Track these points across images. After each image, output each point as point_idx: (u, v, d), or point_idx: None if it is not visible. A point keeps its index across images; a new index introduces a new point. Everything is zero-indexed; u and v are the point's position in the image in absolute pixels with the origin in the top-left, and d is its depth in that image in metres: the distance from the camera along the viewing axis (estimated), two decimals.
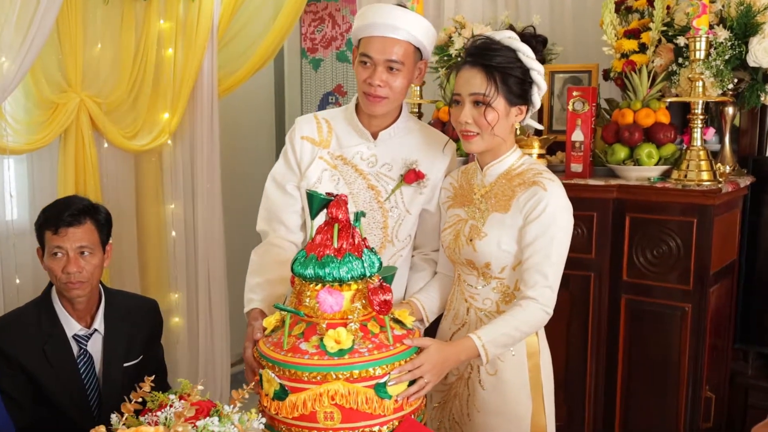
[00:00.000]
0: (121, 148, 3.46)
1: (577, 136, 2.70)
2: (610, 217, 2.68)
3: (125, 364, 2.40)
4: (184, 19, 3.64)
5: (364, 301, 1.75)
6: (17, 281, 3.06)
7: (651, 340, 2.66)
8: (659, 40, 2.70)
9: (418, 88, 3.09)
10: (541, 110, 3.07)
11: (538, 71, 2.02)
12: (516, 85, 1.99)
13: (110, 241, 2.40)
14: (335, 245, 1.73)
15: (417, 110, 3.14)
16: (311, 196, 1.78)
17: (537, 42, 2.07)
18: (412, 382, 1.77)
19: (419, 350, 1.80)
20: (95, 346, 2.37)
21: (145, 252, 3.68)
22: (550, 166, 2.81)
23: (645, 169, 2.64)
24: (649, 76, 2.67)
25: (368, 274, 1.75)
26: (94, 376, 2.37)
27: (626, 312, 2.71)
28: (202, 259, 3.77)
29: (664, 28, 2.69)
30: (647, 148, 2.63)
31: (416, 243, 2.34)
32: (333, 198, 1.75)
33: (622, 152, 2.66)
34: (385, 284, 1.77)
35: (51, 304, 2.33)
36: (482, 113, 1.98)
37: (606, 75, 2.91)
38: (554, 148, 2.91)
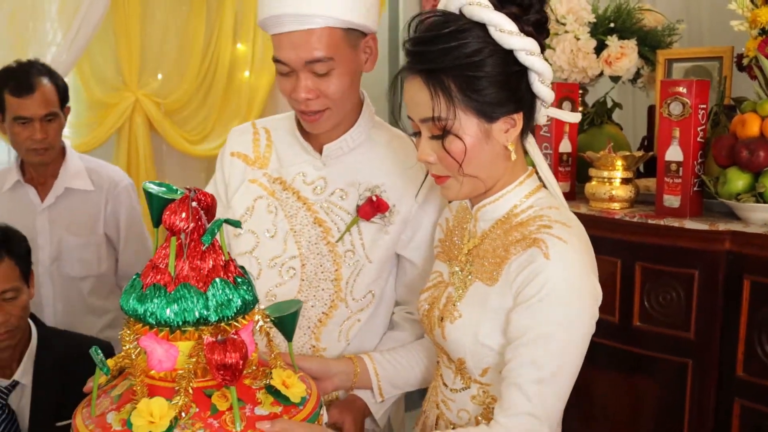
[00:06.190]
0: (183, 152, 3.10)
1: (674, 154, 1.79)
2: (720, 280, 1.74)
3: (58, 424, 1.97)
4: None
5: None
6: None
7: None
8: None
9: None
10: (651, 120, 2.16)
11: (527, 51, 1.22)
12: (492, 87, 1.22)
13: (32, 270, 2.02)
14: (172, 271, 1.12)
15: None
16: (148, 194, 1.17)
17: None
18: None
19: None
20: (21, 401, 1.98)
21: None
22: (641, 198, 1.95)
23: None
24: None
25: (214, 318, 1.10)
26: None
27: (741, 425, 1.76)
28: None
29: None
30: None
31: (398, 298, 1.69)
32: (180, 195, 1.14)
33: (739, 180, 1.71)
34: (235, 339, 1.10)
35: None
36: (443, 146, 1.25)
37: (740, 62, 1.94)
38: (651, 170, 2.00)
